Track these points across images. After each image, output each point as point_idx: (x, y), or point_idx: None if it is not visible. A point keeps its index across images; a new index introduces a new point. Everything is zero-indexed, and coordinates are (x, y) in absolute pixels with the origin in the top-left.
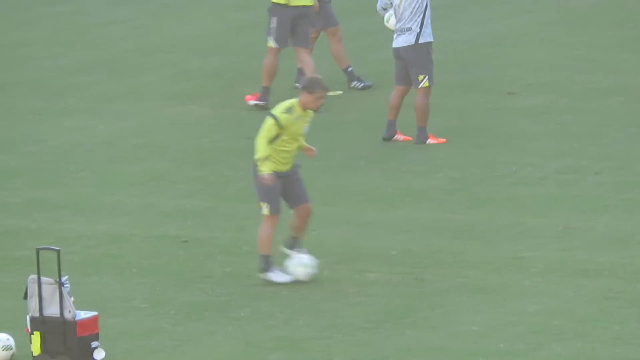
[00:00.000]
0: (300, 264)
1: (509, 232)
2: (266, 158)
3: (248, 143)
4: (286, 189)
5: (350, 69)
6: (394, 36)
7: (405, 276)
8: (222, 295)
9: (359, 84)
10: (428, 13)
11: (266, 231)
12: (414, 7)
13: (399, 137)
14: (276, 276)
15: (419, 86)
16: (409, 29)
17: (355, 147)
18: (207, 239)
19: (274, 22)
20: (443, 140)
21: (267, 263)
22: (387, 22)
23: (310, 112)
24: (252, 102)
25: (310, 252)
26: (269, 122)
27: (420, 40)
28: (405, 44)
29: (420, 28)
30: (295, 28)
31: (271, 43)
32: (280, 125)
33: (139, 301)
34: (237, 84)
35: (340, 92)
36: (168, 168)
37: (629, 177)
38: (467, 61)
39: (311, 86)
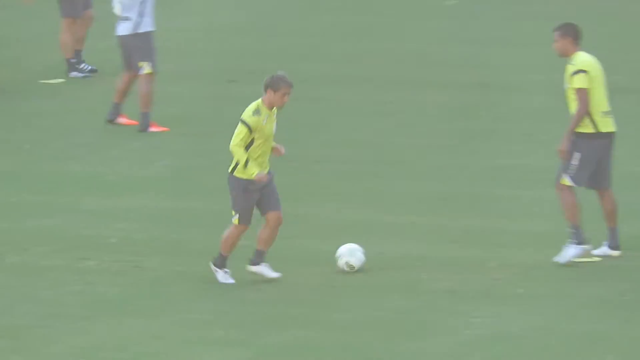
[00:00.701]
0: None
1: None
2: (247, 162)
3: None
4: (261, 195)
5: (73, 60)
6: (118, 23)
7: (125, 264)
8: None
9: (79, 74)
10: (149, 2)
11: (231, 235)
12: None
13: (122, 119)
14: (222, 277)
15: (140, 73)
16: (128, 18)
17: (78, 134)
18: None
19: None
20: (166, 128)
21: (222, 263)
22: (114, 8)
23: (275, 110)
24: None
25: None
26: (239, 128)
27: (139, 30)
28: (125, 32)
29: (139, 17)
30: None
31: None
32: (251, 130)
33: None
34: None
35: (62, 80)
36: None
37: (356, 165)
38: (186, 49)
39: (276, 84)
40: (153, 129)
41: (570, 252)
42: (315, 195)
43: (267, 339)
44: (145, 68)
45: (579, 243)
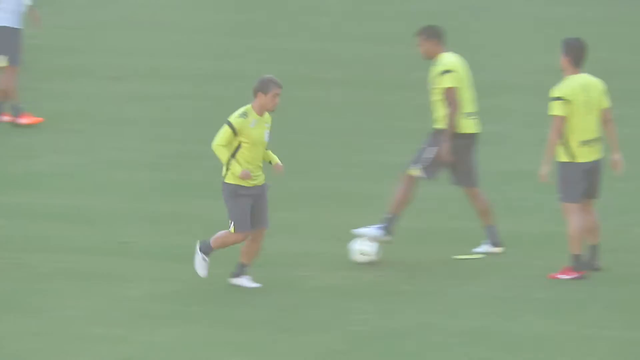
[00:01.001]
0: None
1: (118, 217)
2: (229, 160)
3: None
4: (252, 208)
5: None
6: None
7: (6, 261)
8: None
9: None
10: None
11: (226, 238)
12: None
13: (4, 118)
14: (199, 263)
15: None
16: None
17: None
18: None
19: None
20: (39, 119)
21: (206, 250)
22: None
23: (268, 117)
24: None
25: None
26: (222, 128)
27: None
28: None
29: None
30: None
31: None
32: (234, 130)
33: None
34: None
35: None
36: None
37: None
38: (71, 46)
39: (265, 86)
40: (22, 121)
41: (372, 231)
42: (192, 191)
43: (148, 336)
44: (1, 61)
45: (385, 230)
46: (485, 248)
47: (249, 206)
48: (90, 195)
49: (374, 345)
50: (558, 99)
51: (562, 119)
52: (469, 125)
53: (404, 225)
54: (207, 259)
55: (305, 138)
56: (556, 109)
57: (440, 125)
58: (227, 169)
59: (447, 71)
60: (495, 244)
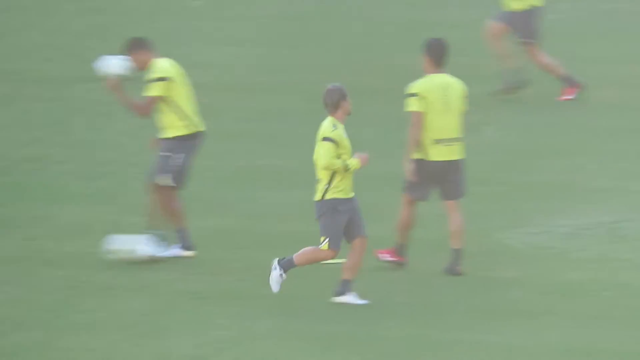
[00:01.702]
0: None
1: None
2: (345, 163)
3: None
4: (348, 219)
5: None
6: None
7: None
8: None
9: None
10: None
11: (314, 256)
12: None
13: None
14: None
15: None
16: None
17: None
18: None
19: None
20: None
21: (289, 265)
22: None
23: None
24: None
25: None
26: (324, 146)
27: None
28: None
29: None
30: None
31: None
32: (336, 143)
33: None
34: None
35: None
36: None
37: (93, 166)
38: None
39: (343, 93)
40: None
41: (177, 252)
42: (56, 195)
43: (7, 340)
44: None
45: (183, 246)
46: (174, 252)
47: (344, 222)
48: None
49: (235, 349)
50: (413, 95)
51: (420, 115)
52: (198, 124)
53: (260, 230)
54: (284, 275)
55: None
56: (411, 105)
57: (171, 133)
58: (327, 186)
59: (160, 79)
60: (187, 248)
